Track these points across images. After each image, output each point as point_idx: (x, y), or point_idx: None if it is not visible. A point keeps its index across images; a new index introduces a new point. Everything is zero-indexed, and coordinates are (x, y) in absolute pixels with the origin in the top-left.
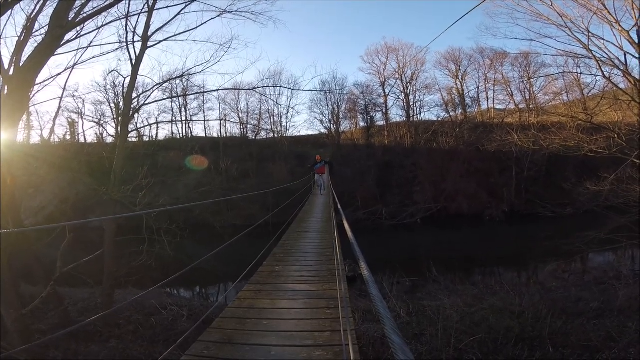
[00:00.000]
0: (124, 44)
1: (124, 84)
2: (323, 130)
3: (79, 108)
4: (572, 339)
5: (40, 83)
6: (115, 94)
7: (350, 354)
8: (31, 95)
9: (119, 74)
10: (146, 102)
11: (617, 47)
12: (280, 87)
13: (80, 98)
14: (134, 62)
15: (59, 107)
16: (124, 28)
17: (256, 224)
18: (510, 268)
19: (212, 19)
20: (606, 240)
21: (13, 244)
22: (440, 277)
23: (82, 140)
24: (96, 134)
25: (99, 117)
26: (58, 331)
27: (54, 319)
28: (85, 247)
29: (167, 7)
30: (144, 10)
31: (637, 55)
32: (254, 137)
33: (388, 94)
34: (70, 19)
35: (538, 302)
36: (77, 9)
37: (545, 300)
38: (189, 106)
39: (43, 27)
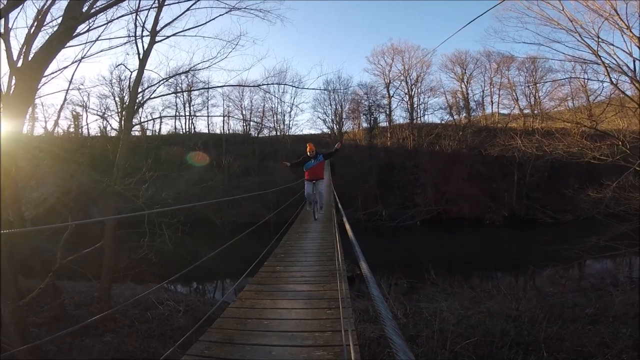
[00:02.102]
0: (133, 38)
1: (130, 78)
2: (325, 130)
3: (83, 101)
4: (567, 343)
5: (47, 75)
6: (120, 88)
7: (351, 354)
8: (38, 87)
9: (126, 67)
10: (151, 97)
11: (626, 53)
12: (285, 84)
13: (86, 91)
14: (141, 56)
15: (64, 100)
16: (134, 22)
17: (258, 224)
18: (509, 272)
19: (221, 15)
20: (605, 247)
21: (13, 237)
22: (438, 279)
23: (85, 133)
24: (99, 127)
25: (103, 110)
26: (53, 324)
27: (50, 312)
28: (86, 240)
29: (177, 2)
30: (154, 6)
31: None
32: (256, 135)
33: (392, 96)
34: (83, 11)
35: (534, 306)
36: (90, 2)
37: (542, 305)
38: (193, 102)
39: (55, 19)
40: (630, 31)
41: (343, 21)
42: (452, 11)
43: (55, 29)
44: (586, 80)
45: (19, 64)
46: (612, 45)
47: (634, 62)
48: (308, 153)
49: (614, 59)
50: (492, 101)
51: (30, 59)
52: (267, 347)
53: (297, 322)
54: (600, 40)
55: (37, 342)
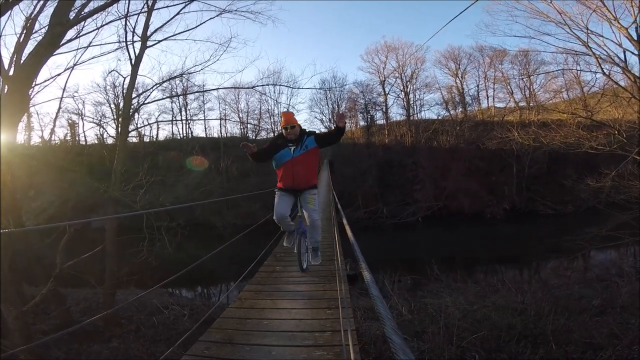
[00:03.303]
0: (124, 43)
1: (123, 84)
2: (323, 130)
3: (79, 109)
4: (575, 336)
5: (40, 83)
6: (115, 95)
7: (350, 354)
8: (31, 95)
9: (119, 73)
10: (146, 102)
11: (616, 44)
12: (280, 85)
13: (80, 99)
14: (133, 61)
15: (59, 108)
16: (124, 28)
17: (256, 224)
18: (512, 266)
19: (211, 18)
20: (608, 237)
21: (14, 244)
22: (441, 275)
23: (82, 141)
24: (96, 134)
25: (99, 117)
26: (60, 331)
27: (56, 319)
28: (87, 247)
29: (167, 6)
30: (143, 10)
31: (636, 52)
32: (254, 137)
33: (388, 93)
34: (71, 18)
35: (540, 299)
36: (77, 9)
37: (548, 297)
38: (189, 106)
39: (43, 28)
40: (618, 22)
41: (335, 20)
42: (445, 8)
43: (44, 36)
44: (579, 72)
45: (11, 72)
46: (602, 36)
47: (624, 52)
48: (283, 130)
49: (605, 50)
50: (487, 95)
51: (20, 65)
52: (267, 347)
53: (296, 322)
54: (589, 32)
55: (34, 344)
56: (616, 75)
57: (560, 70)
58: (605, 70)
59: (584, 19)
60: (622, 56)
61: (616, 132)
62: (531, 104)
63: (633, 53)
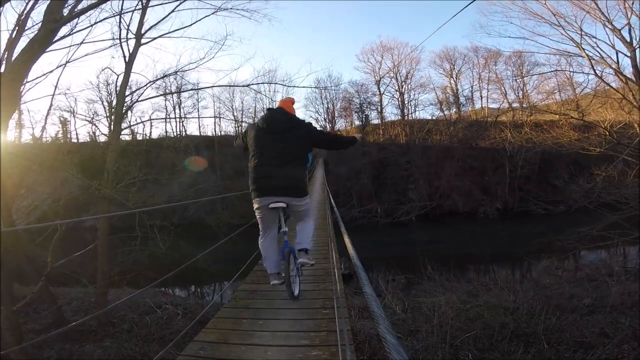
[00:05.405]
0: (117, 41)
1: (116, 81)
2: (318, 129)
3: (71, 106)
4: (567, 335)
5: (32, 80)
6: (108, 92)
7: (346, 354)
8: (23, 93)
9: (112, 71)
10: (139, 100)
11: (609, 45)
12: (275, 83)
13: (73, 96)
14: (127, 59)
15: (51, 105)
16: (118, 25)
17: (250, 223)
18: (504, 265)
19: (206, 16)
20: (598, 237)
21: (5, 243)
22: (435, 274)
23: (74, 139)
24: (88, 132)
25: (92, 115)
26: (52, 330)
27: (48, 319)
28: (79, 246)
29: (162, 4)
30: (137, 8)
31: (628, 54)
32: None
33: (383, 93)
34: (64, 15)
35: (532, 298)
36: (70, 5)
37: (539, 296)
38: (183, 104)
39: (35, 25)
40: (612, 24)
41: (331, 19)
42: (441, 8)
43: (37, 33)
44: (572, 73)
45: (2, 69)
46: (595, 38)
47: (616, 54)
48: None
49: (598, 51)
50: (481, 96)
51: (12, 62)
52: (263, 347)
53: (292, 321)
54: (583, 33)
55: (27, 344)
56: (608, 76)
57: (553, 71)
58: (597, 72)
59: (578, 21)
60: (614, 58)
61: (607, 133)
62: (524, 105)
63: (625, 55)
